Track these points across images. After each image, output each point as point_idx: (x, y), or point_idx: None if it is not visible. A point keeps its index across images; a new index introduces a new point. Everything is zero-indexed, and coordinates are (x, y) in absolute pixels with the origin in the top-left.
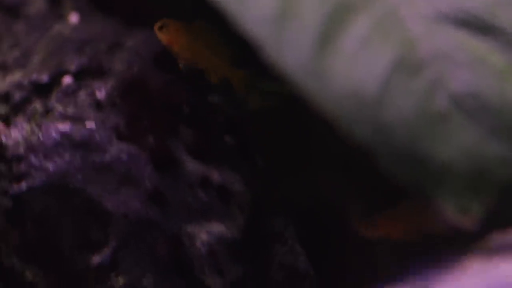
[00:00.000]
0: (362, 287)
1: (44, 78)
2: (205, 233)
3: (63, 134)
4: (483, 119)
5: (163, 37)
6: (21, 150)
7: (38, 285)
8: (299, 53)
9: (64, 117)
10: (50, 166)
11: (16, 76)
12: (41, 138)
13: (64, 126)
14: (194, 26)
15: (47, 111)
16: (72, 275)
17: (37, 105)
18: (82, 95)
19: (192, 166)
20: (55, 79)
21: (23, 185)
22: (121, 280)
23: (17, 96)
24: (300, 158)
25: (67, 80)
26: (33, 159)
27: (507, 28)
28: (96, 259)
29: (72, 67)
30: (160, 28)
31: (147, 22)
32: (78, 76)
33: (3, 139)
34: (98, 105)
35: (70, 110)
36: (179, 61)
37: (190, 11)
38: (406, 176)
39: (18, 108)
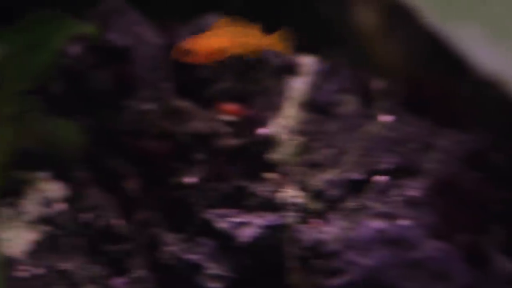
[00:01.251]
0: None
1: (357, 176)
2: None
3: (377, 231)
4: None
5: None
6: (338, 246)
7: None
8: None
9: (378, 214)
10: (365, 262)
11: (329, 174)
12: (356, 235)
13: (378, 223)
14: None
15: (361, 208)
16: None
17: (351, 202)
18: (395, 193)
19: (503, 263)
20: (368, 177)
21: (339, 280)
22: None
23: (331, 193)
24: None
25: (380, 178)
26: (349, 254)
27: None
28: None
29: (385, 165)
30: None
31: (457, 123)
32: (391, 174)
33: (319, 235)
34: (411, 203)
35: (383, 207)
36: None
37: None
38: None
39: (332, 205)
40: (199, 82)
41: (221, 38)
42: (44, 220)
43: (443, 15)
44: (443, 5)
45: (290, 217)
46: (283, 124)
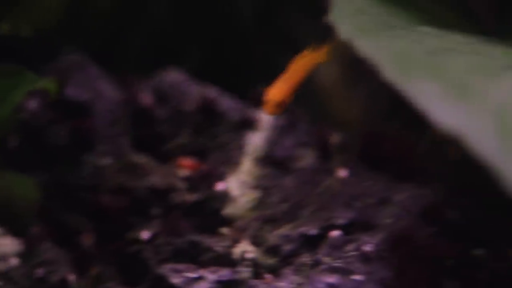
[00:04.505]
0: None
1: (313, 231)
2: None
3: (330, 286)
4: None
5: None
6: None
7: None
8: None
9: (331, 270)
10: None
11: (284, 229)
12: None
13: (332, 278)
14: None
15: (315, 263)
16: None
17: (306, 257)
18: (350, 248)
19: None
20: (323, 232)
21: None
22: None
23: (286, 248)
24: None
25: (335, 233)
26: None
27: None
28: None
29: (341, 220)
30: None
31: (414, 178)
32: (347, 229)
33: None
34: (365, 258)
35: (338, 262)
36: None
37: None
38: None
39: (286, 260)
40: (157, 137)
41: (283, 83)
42: None
43: (402, 71)
44: (403, 61)
45: (244, 273)
46: (240, 179)
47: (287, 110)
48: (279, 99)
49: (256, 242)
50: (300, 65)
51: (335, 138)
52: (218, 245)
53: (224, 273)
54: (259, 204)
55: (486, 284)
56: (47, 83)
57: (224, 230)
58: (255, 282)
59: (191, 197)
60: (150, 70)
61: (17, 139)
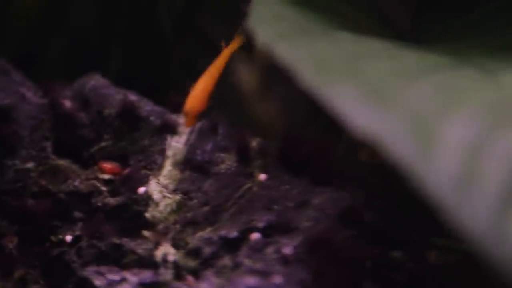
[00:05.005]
0: None
1: (234, 234)
2: None
3: None
4: None
5: None
6: None
7: None
8: (479, 217)
9: (252, 272)
10: None
11: (206, 232)
12: None
13: (252, 281)
14: None
15: (236, 266)
16: None
17: (226, 260)
18: (270, 250)
19: None
20: (244, 235)
21: None
22: None
23: (207, 251)
24: None
25: (255, 236)
26: None
27: None
28: None
29: (261, 223)
30: None
31: (332, 181)
32: (266, 232)
33: None
34: (285, 261)
35: (258, 265)
36: None
37: None
38: None
39: (207, 263)
40: (79, 141)
41: (199, 92)
42: None
43: (320, 76)
44: (320, 66)
45: (165, 275)
46: (161, 183)
47: (207, 115)
48: (196, 110)
49: (177, 244)
50: (215, 66)
51: (255, 142)
52: (140, 247)
53: (146, 275)
54: (180, 208)
55: (404, 286)
56: None
57: (146, 233)
58: (177, 284)
59: (113, 201)
60: (72, 75)
61: None
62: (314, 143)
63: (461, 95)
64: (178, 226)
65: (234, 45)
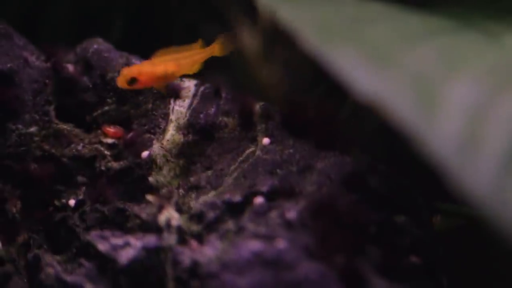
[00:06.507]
0: None
1: (237, 198)
2: None
3: (255, 253)
4: None
5: None
6: (214, 267)
7: None
8: (482, 179)
9: (255, 236)
10: (242, 283)
11: (209, 196)
12: (234, 256)
13: (256, 245)
14: None
15: (239, 230)
16: None
17: (230, 224)
18: (273, 215)
19: (379, 284)
20: (248, 199)
21: None
22: None
23: (211, 215)
24: (483, 279)
25: (259, 200)
26: (226, 275)
27: None
28: None
29: (264, 188)
30: None
31: (337, 145)
32: (270, 196)
33: (197, 257)
34: (288, 225)
35: (262, 229)
36: None
37: None
38: None
39: (211, 227)
40: (82, 105)
41: (166, 64)
42: None
43: (322, 40)
44: (323, 30)
45: (169, 239)
46: (164, 146)
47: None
48: (130, 75)
49: (180, 209)
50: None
51: (258, 106)
52: (143, 212)
53: (150, 240)
54: (184, 172)
55: (407, 250)
56: None
57: (150, 197)
58: (181, 248)
59: (116, 165)
60: (75, 39)
61: None
62: (317, 107)
63: (464, 58)
64: (181, 191)
65: (210, 51)
